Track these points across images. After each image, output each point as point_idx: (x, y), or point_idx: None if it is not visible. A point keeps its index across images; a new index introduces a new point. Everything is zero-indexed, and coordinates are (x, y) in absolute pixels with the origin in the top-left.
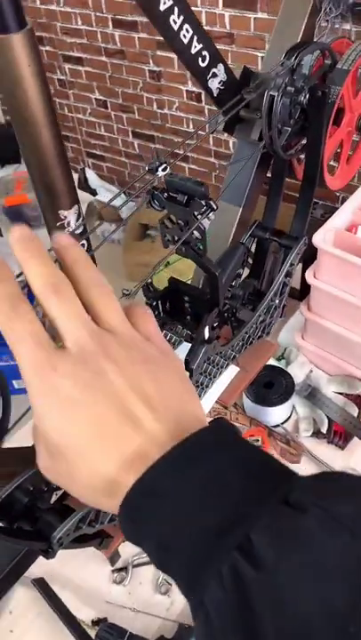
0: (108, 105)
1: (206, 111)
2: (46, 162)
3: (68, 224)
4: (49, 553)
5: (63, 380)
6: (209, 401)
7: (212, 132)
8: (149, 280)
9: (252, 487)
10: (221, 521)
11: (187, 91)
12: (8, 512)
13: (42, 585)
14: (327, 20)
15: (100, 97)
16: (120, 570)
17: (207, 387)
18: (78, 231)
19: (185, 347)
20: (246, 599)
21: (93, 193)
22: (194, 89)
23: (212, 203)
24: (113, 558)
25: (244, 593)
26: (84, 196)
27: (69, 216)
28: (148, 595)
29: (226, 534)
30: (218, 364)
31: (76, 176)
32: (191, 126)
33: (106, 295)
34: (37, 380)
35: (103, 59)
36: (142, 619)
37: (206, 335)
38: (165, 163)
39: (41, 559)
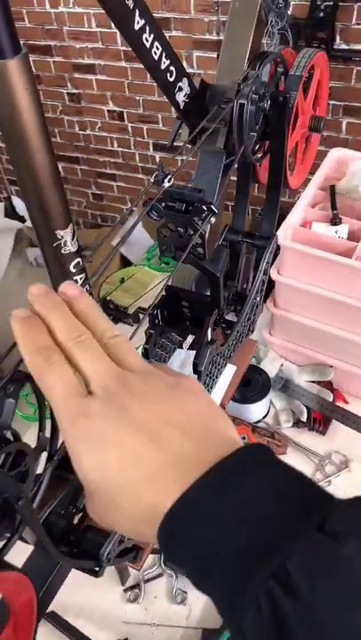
0: None
1: (130, 129)
2: (42, 184)
3: (65, 243)
4: (99, 571)
5: (93, 422)
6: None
7: (172, 144)
8: (107, 298)
9: (289, 514)
10: (259, 548)
11: (108, 110)
12: (50, 536)
13: (55, 618)
14: (273, 32)
15: None
16: (132, 587)
17: (211, 388)
18: (74, 249)
19: (178, 353)
20: (285, 630)
21: (22, 220)
22: (115, 108)
23: (213, 207)
24: (123, 577)
25: (282, 623)
26: (12, 224)
27: (65, 235)
28: (165, 607)
29: (262, 562)
30: (218, 364)
31: (1, 205)
32: (116, 145)
33: (123, 341)
34: (70, 425)
35: None
36: (164, 631)
37: (209, 337)
38: (170, 174)
39: None
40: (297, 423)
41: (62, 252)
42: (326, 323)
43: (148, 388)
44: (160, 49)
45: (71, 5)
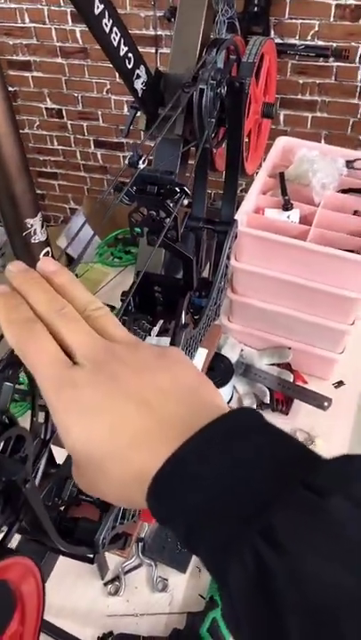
0: None
1: (69, 126)
2: (10, 172)
3: (35, 232)
4: (94, 558)
5: (81, 391)
6: None
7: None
8: None
9: (275, 472)
10: (245, 506)
11: (46, 108)
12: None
13: None
14: (223, 21)
15: None
16: (112, 580)
17: None
18: (43, 238)
19: (148, 340)
20: (268, 582)
21: None
22: (53, 106)
23: (185, 188)
24: (102, 571)
25: (265, 577)
26: None
27: (35, 224)
28: (147, 596)
29: (248, 519)
30: (192, 347)
31: None
32: (56, 143)
33: (106, 313)
34: (57, 396)
35: None
36: (148, 620)
37: (183, 320)
38: (143, 156)
39: None
40: (260, 405)
41: (32, 241)
42: (284, 305)
43: (135, 357)
44: (119, 34)
45: (3, 1)
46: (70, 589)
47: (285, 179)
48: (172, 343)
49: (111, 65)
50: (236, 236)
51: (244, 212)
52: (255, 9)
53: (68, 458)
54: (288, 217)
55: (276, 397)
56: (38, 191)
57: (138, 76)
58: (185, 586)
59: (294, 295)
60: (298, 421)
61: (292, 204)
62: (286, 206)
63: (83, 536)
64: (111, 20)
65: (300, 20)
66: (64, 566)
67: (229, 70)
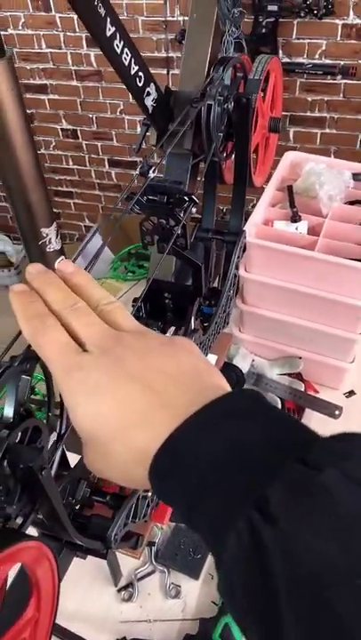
0: None
1: (84, 146)
2: (26, 182)
3: (50, 241)
4: (107, 553)
5: (88, 372)
6: None
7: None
8: None
9: (273, 449)
10: (242, 481)
11: (61, 129)
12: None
13: None
14: (230, 41)
15: None
16: (126, 587)
17: None
18: (58, 247)
19: None
20: (260, 554)
21: None
22: (69, 126)
23: (193, 197)
24: (116, 577)
25: (258, 548)
26: None
27: (50, 233)
28: (160, 602)
29: (245, 494)
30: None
31: None
32: (71, 163)
33: (117, 307)
34: (67, 379)
35: None
36: (161, 627)
37: (193, 325)
38: (153, 166)
39: None
40: None
41: (47, 249)
42: (293, 315)
43: (142, 343)
44: (129, 55)
45: (20, 27)
46: (84, 595)
47: (293, 191)
48: None
49: (123, 85)
50: (244, 247)
51: (253, 224)
52: (263, 30)
53: (81, 460)
54: (296, 228)
55: (287, 407)
56: (54, 210)
57: (148, 94)
58: (198, 592)
59: (303, 305)
60: None
61: (300, 215)
62: (295, 218)
63: (96, 531)
64: (122, 42)
65: (308, 40)
66: (78, 571)
67: (237, 87)
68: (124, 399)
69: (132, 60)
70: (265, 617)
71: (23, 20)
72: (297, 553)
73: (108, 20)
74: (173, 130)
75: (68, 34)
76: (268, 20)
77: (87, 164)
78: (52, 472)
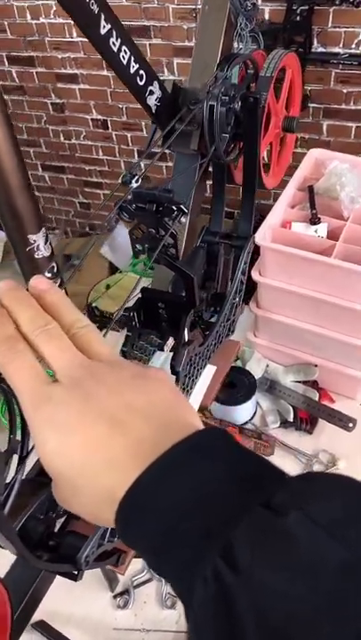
0: None
1: (114, 137)
2: (11, 188)
3: (38, 247)
4: (78, 575)
5: (57, 407)
6: (194, 403)
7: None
8: (93, 305)
9: (238, 493)
10: (207, 527)
11: (92, 119)
12: (27, 542)
13: (44, 627)
14: (243, 35)
15: None
16: (122, 594)
17: (191, 388)
18: (47, 253)
19: (158, 355)
20: (226, 602)
21: None
22: (99, 117)
23: (182, 207)
24: (112, 583)
25: (224, 596)
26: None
27: (38, 239)
28: (156, 612)
29: (209, 540)
30: (197, 365)
31: None
32: (101, 153)
33: (89, 330)
34: (34, 411)
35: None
36: (154, 637)
37: (186, 337)
38: (137, 174)
39: None
40: (284, 423)
41: (35, 256)
42: (309, 322)
43: (113, 376)
44: (128, 53)
45: (52, 16)
46: (78, 599)
47: (315, 192)
48: (174, 360)
49: (44, 99)
50: (250, 252)
51: (268, 226)
52: (297, 18)
53: None
54: (316, 231)
55: (300, 416)
56: (84, 200)
57: (151, 93)
58: None
59: (319, 311)
60: (322, 441)
61: (320, 217)
62: (314, 220)
63: (67, 551)
64: (119, 39)
65: (344, 29)
66: None
67: (247, 85)
68: (91, 439)
69: (132, 58)
70: None
71: (55, 8)
72: (262, 599)
73: (103, 17)
74: (180, 129)
75: None
76: (303, 7)
77: (117, 155)
78: (11, 500)
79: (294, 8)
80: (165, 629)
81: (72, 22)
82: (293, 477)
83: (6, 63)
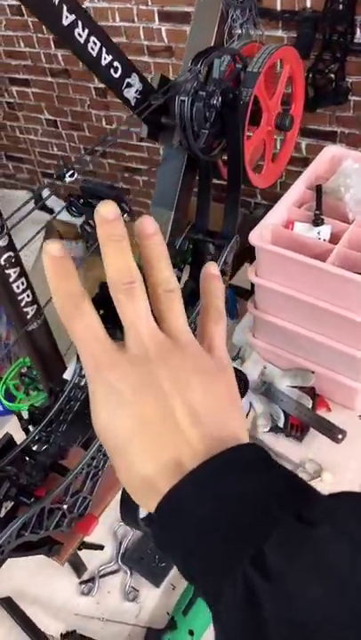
0: (59, 124)
1: None
2: None
3: None
4: None
5: (118, 379)
6: None
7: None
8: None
9: (271, 506)
10: (239, 536)
11: None
12: None
13: (9, 603)
14: (240, 26)
15: (50, 117)
16: (87, 581)
17: None
18: (3, 244)
19: None
20: (256, 607)
21: (51, 212)
22: None
23: (124, 205)
24: (79, 570)
25: (253, 601)
26: (41, 216)
27: None
28: (117, 603)
29: (241, 548)
30: None
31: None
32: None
33: (173, 299)
34: (96, 376)
35: (49, 79)
36: (112, 627)
37: None
38: (73, 169)
39: (7, 576)
40: (274, 428)
41: None
42: (305, 327)
43: (180, 362)
44: (98, 44)
45: (96, 1)
46: (47, 581)
47: (324, 192)
48: None
49: (88, 84)
50: (232, 252)
51: (265, 226)
52: (339, 7)
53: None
54: (318, 233)
55: (291, 422)
56: (124, 186)
57: (129, 85)
58: (156, 601)
59: (314, 317)
60: (311, 451)
61: (323, 219)
62: (316, 222)
63: None
64: (86, 30)
65: None
66: (45, 558)
67: (233, 80)
68: (141, 417)
69: (103, 50)
70: None
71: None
72: (291, 608)
73: (65, 7)
74: (165, 123)
75: (39, 35)
76: None
77: (68, 152)
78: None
79: None
80: (124, 622)
81: (115, 7)
82: (327, 496)
83: (52, 47)
